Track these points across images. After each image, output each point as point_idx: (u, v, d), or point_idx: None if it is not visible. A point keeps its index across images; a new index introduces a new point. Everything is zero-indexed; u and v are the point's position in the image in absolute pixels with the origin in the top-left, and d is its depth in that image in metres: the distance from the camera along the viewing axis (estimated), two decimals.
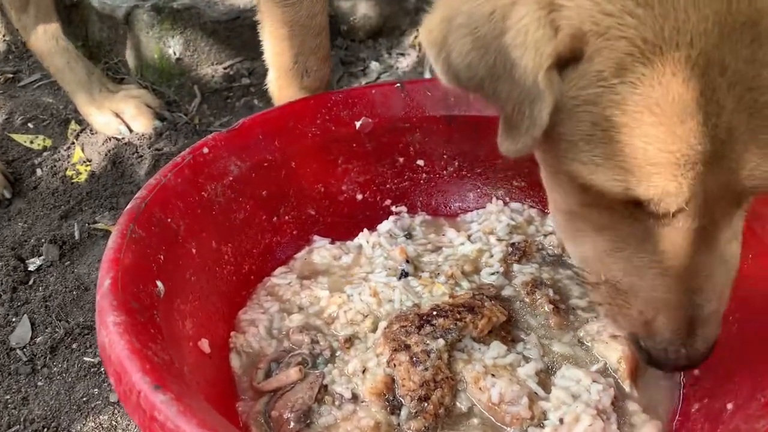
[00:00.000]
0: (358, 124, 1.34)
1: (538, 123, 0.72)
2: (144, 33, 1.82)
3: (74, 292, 1.32)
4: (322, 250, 1.30)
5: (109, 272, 0.89)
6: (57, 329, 1.24)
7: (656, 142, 0.68)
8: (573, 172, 0.76)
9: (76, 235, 1.45)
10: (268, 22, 1.33)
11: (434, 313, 1.08)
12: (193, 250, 1.10)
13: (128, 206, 1.02)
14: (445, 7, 0.79)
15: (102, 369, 1.19)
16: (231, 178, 1.19)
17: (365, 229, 1.33)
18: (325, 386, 1.03)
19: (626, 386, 1.02)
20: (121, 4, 1.82)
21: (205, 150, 1.17)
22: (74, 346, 1.22)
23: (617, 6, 0.68)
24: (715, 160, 0.68)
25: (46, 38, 1.60)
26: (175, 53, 1.85)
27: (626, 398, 1.00)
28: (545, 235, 1.31)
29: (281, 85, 1.39)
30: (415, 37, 2.07)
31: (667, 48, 0.66)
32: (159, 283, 0.96)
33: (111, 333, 0.80)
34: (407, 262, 1.25)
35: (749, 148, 0.68)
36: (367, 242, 1.31)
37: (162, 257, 1.00)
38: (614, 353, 1.05)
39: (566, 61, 0.71)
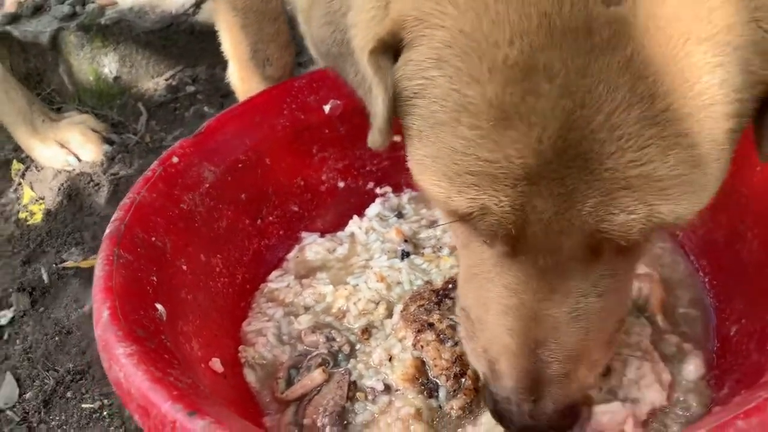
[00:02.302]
0: (327, 108, 1.27)
1: (378, 113, 0.66)
2: (74, 56, 1.71)
3: (56, 338, 1.22)
4: (314, 246, 1.24)
5: (104, 302, 0.81)
6: (46, 380, 1.14)
7: (474, 147, 0.59)
8: (412, 171, 0.68)
9: (45, 278, 1.34)
10: (222, 10, 1.26)
11: (450, 286, 1.03)
12: (184, 267, 1.02)
13: (107, 231, 0.93)
14: None
15: (105, 413, 1.09)
16: (207, 185, 1.11)
17: (355, 216, 1.27)
18: (354, 382, 0.97)
19: (659, 321, 0.99)
20: (44, 28, 1.70)
21: (175, 159, 1.08)
22: (69, 394, 1.13)
23: None
24: (545, 183, 0.59)
25: None
26: (111, 72, 1.74)
27: (663, 333, 0.97)
28: None
29: (243, 77, 1.31)
30: None
31: (485, 43, 0.58)
32: (159, 306, 0.88)
33: (125, 366, 0.72)
34: (405, 241, 1.20)
35: (585, 179, 0.58)
36: (360, 229, 1.25)
37: (155, 279, 0.92)
38: (639, 292, 1.02)
39: (396, 47, 0.64)
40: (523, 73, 0.57)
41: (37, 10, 1.75)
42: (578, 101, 0.56)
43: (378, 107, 0.65)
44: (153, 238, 0.97)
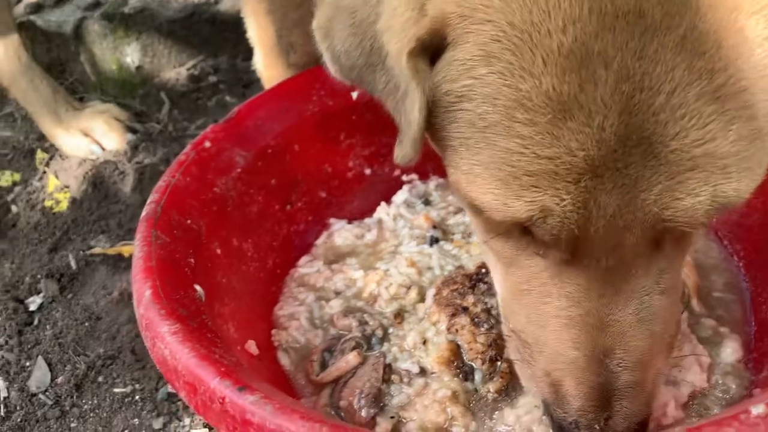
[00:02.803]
0: (354, 94, 1.27)
1: (413, 121, 0.62)
2: (97, 45, 1.71)
3: (86, 324, 1.22)
4: (342, 232, 1.24)
5: (146, 282, 0.81)
6: (77, 365, 1.15)
7: (531, 145, 0.57)
8: (456, 184, 0.66)
9: (73, 265, 1.34)
10: None
11: (483, 270, 1.03)
12: (218, 251, 1.02)
13: (144, 213, 0.94)
14: None
15: (137, 397, 1.10)
16: (239, 170, 1.11)
17: (382, 203, 1.27)
18: (389, 365, 0.97)
19: (695, 305, 0.98)
20: (68, 18, 1.70)
21: (207, 144, 1.09)
22: (100, 379, 1.13)
23: None
24: (608, 175, 0.57)
25: (7, 56, 1.47)
26: (133, 61, 1.75)
27: (699, 317, 0.97)
28: None
29: (268, 64, 1.31)
30: None
31: (537, 34, 0.57)
32: (198, 288, 0.88)
33: (170, 344, 0.72)
34: (434, 227, 1.20)
35: (650, 164, 0.57)
36: (388, 215, 1.25)
37: (192, 260, 0.92)
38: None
39: (434, 49, 0.63)
40: (579, 61, 0.56)
41: (60, 0, 1.75)
42: (637, 84, 0.55)
43: (413, 114, 0.62)
44: (188, 221, 0.97)
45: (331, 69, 0.75)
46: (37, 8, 1.74)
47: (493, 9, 0.59)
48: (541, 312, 0.69)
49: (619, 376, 0.66)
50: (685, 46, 0.56)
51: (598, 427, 0.68)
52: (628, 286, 0.65)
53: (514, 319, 0.75)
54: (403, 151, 0.66)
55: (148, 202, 0.95)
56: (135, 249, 0.87)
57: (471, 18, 0.60)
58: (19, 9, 1.75)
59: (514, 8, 0.58)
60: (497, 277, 0.78)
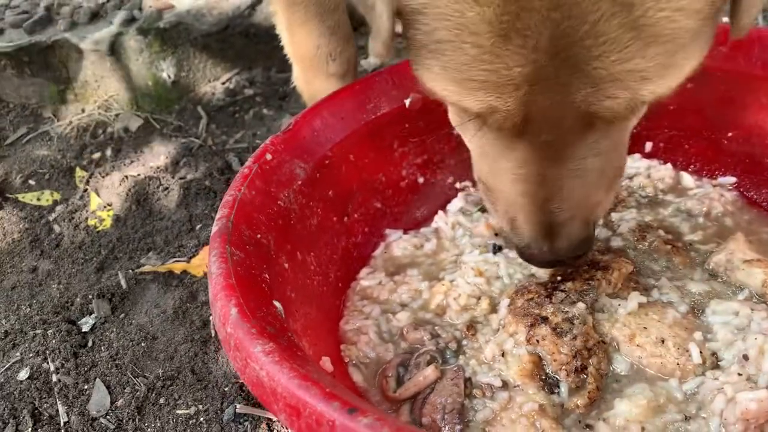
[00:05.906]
0: (407, 101, 1.25)
1: (382, 28, 0.73)
2: (133, 61, 1.69)
3: (142, 344, 1.19)
4: (400, 242, 1.21)
5: (230, 300, 0.78)
6: (137, 387, 1.12)
7: (477, 62, 0.68)
8: (420, 78, 0.78)
9: (123, 284, 1.31)
10: (281, 9, 1.23)
11: (558, 278, 1.00)
12: (285, 265, 0.99)
13: (214, 228, 0.91)
14: None
15: (202, 419, 1.07)
16: (300, 182, 1.09)
17: (440, 212, 1.25)
18: (468, 379, 0.94)
19: None
20: (103, 34, 1.68)
21: (269, 156, 1.06)
22: (161, 401, 1.10)
23: None
24: (543, 83, 0.68)
25: None
26: (169, 76, 1.73)
27: None
28: (630, 178, 1.24)
29: (308, 79, 1.29)
30: None
31: None
32: (277, 304, 0.85)
33: (267, 364, 0.69)
34: (496, 235, 1.17)
35: (576, 76, 0.67)
36: (446, 224, 1.23)
37: (267, 276, 0.89)
38: (756, 278, 0.99)
39: None
40: None
41: (94, 16, 1.73)
42: (566, 13, 0.64)
43: (383, 22, 0.72)
44: (258, 236, 0.94)
45: None
46: (71, 26, 1.72)
47: None
48: (498, 168, 0.83)
49: (558, 215, 0.82)
50: None
51: (546, 248, 0.85)
52: (565, 153, 0.78)
53: (480, 171, 0.90)
54: (376, 49, 0.77)
55: (217, 217, 0.92)
56: (211, 266, 0.84)
57: None
58: (58, 27, 1.73)
59: None
60: (468, 142, 0.90)
